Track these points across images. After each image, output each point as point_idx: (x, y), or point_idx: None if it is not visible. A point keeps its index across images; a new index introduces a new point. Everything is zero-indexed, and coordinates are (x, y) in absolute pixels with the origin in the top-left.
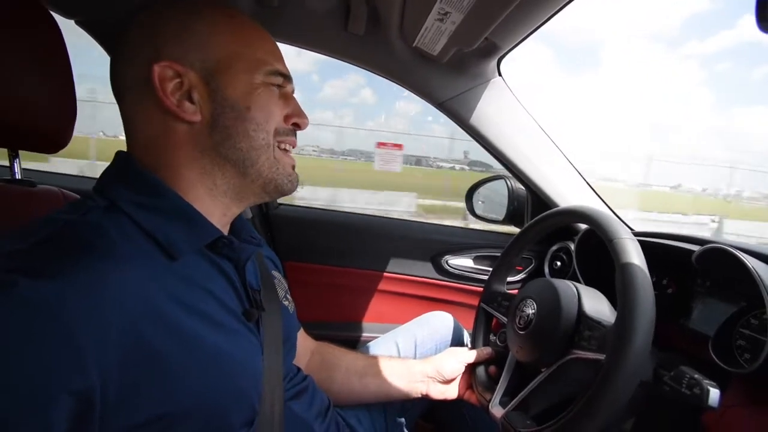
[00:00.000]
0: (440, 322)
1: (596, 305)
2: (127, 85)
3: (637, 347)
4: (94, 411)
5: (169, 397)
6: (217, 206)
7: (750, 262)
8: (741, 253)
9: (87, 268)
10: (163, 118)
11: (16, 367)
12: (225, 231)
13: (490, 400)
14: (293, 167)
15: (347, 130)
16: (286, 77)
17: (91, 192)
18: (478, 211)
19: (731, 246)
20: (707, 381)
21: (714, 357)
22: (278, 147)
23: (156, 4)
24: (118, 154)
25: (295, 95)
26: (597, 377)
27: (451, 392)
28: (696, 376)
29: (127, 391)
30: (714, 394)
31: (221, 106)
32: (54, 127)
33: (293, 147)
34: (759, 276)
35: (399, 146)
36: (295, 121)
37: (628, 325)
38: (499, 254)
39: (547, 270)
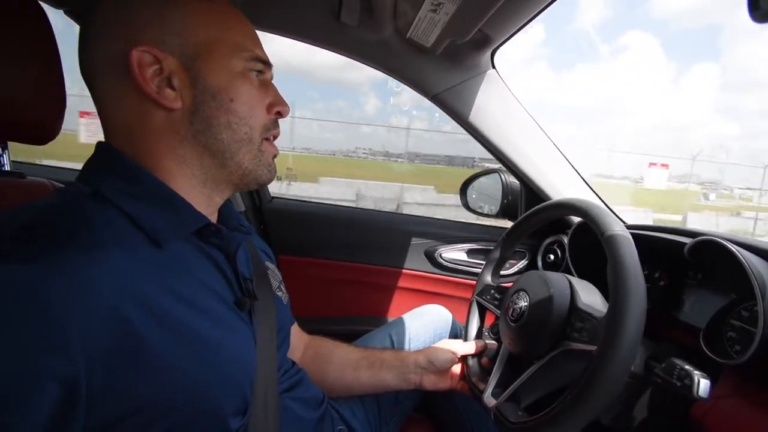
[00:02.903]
0: (434, 315)
1: (588, 297)
2: (99, 69)
3: (628, 339)
4: (80, 398)
5: (157, 385)
6: (198, 195)
7: (742, 254)
8: (733, 245)
9: (70, 253)
10: (141, 105)
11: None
12: (213, 219)
13: (482, 391)
14: (274, 156)
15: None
16: (266, 63)
17: (75, 181)
18: (472, 205)
19: (723, 238)
20: (698, 372)
21: (705, 348)
22: (264, 140)
23: None
24: (99, 144)
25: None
26: (588, 368)
27: (443, 383)
28: (686, 367)
29: (114, 378)
30: (704, 384)
31: (203, 94)
32: (42, 119)
33: (276, 137)
34: (750, 268)
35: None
36: (278, 109)
37: (619, 317)
38: (492, 247)
39: (540, 263)
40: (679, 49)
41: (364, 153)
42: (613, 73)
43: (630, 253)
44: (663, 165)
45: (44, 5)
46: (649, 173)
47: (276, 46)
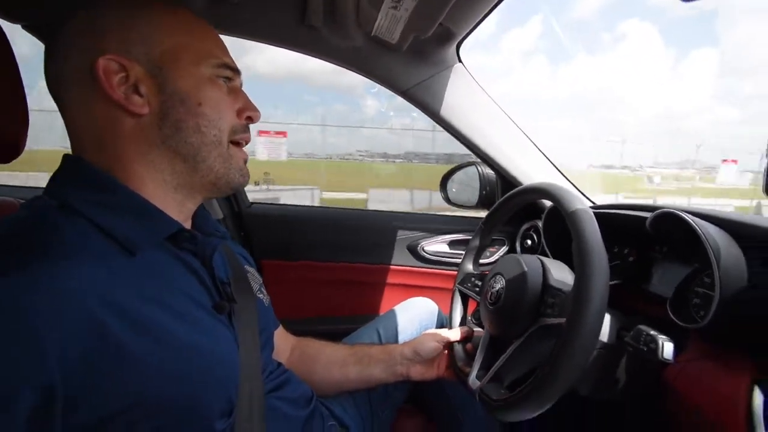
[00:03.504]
0: (420, 307)
1: (559, 274)
2: (67, 81)
3: (593, 307)
4: (56, 405)
5: (136, 390)
6: (171, 202)
7: (697, 223)
8: (689, 215)
9: (40, 264)
10: (109, 112)
11: None
12: (187, 226)
13: (468, 375)
14: (245, 161)
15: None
16: (234, 70)
17: (42, 195)
18: (452, 198)
19: (680, 210)
20: (662, 336)
21: (672, 315)
22: (232, 143)
23: (98, 1)
24: (66, 156)
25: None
26: (558, 340)
27: (430, 373)
28: (652, 332)
29: (93, 384)
30: (668, 347)
31: (171, 99)
32: (5, 137)
33: (247, 142)
34: (705, 236)
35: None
36: (248, 114)
37: (583, 288)
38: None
39: (518, 249)
40: (675, 36)
41: (360, 155)
42: (612, 64)
43: (590, 226)
44: (733, 161)
45: (1, 21)
46: (722, 169)
47: (270, 53)
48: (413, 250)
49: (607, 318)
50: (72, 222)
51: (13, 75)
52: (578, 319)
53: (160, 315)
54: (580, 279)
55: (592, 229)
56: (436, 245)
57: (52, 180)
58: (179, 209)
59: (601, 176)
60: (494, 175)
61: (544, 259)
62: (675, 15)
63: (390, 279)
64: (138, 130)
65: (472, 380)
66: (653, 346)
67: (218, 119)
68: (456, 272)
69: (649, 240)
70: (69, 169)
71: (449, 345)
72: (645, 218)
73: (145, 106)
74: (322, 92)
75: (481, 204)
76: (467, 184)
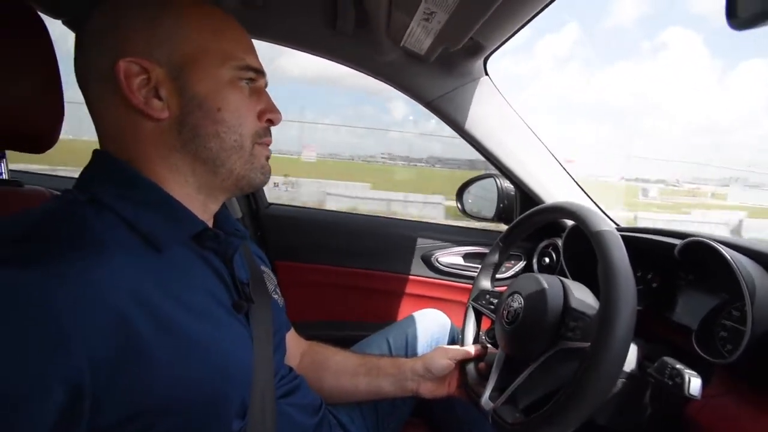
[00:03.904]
0: (432, 319)
1: (581, 297)
2: (91, 76)
3: (619, 333)
4: (84, 402)
5: (158, 388)
6: (194, 202)
7: (730, 254)
8: (721, 246)
9: (72, 257)
10: (130, 115)
11: (3, 356)
12: (209, 225)
13: (480, 395)
14: (267, 158)
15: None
16: (257, 71)
17: (72, 189)
18: (468, 209)
19: (712, 239)
20: (689, 371)
21: (697, 348)
22: (256, 144)
23: None
24: (96, 151)
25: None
26: (581, 365)
27: (441, 390)
28: (678, 366)
29: (118, 381)
30: (695, 383)
31: (189, 103)
32: (40, 128)
33: (268, 145)
34: (738, 269)
35: None
36: (269, 117)
37: (610, 312)
38: (488, 251)
39: (535, 266)
40: (721, 46)
41: (382, 158)
42: (652, 72)
43: (618, 249)
44: None
45: (43, 16)
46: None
47: (300, 58)
48: (427, 261)
49: (631, 346)
50: (101, 216)
51: (51, 68)
52: (605, 345)
53: (183, 314)
54: (606, 303)
55: (620, 252)
56: (451, 257)
57: (82, 175)
58: (203, 209)
59: (598, 186)
60: (513, 189)
61: (565, 280)
62: (719, 24)
63: (402, 288)
64: (158, 134)
65: (485, 401)
66: (679, 381)
67: (238, 125)
68: (470, 285)
69: (674, 266)
70: (97, 164)
71: (461, 363)
72: (672, 245)
73: (164, 111)
74: (350, 94)
75: (498, 217)
76: (484, 196)
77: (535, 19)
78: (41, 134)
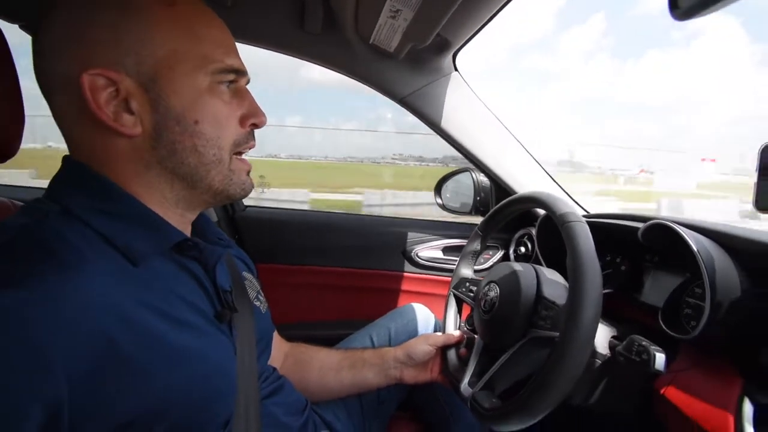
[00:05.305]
0: (414, 313)
1: (553, 286)
2: (54, 88)
3: (585, 325)
4: (63, 420)
5: (141, 402)
6: (171, 214)
7: (688, 234)
8: (680, 227)
9: (48, 275)
10: (99, 131)
11: None
12: (187, 233)
13: (460, 381)
14: (248, 172)
15: None
16: (238, 72)
17: (42, 198)
18: (446, 204)
19: (671, 221)
20: (654, 347)
21: (663, 326)
22: (234, 157)
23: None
24: (67, 159)
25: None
26: (550, 355)
27: (423, 376)
28: (644, 343)
29: (98, 398)
30: (660, 358)
31: (164, 117)
32: (0, 138)
33: (251, 149)
34: (696, 247)
35: None
36: (253, 121)
37: (576, 305)
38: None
39: (512, 256)
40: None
41: (393, 158)
42: (686, 63)
43: (584, 241)
44: (711, 160)
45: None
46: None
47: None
48: (407, 256)
49: (600, 328)
50: (76, 230)
51: (10, 74)
52: (570, 336)
53: (164, 326)
54: (573, 295)
55: (587, 245)
56: (431, 251)
57: (53, 183)
58: (181, 219)
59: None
60: (488, 182)
61: (539, 268)
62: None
63: (384, 284)
64: (131, 151)
65: (464, 387)
66: (645, 357)
67: (218, 137)
68: (450, 278)
69: (641, 249)
70: (70, 173)
71: (442, 348)
72: (636, 228)
73: (137, 126)
74: (369, 97)
75: (475, 210)
76: (461, 190)
77: (558, 6)
78: (1, 144)
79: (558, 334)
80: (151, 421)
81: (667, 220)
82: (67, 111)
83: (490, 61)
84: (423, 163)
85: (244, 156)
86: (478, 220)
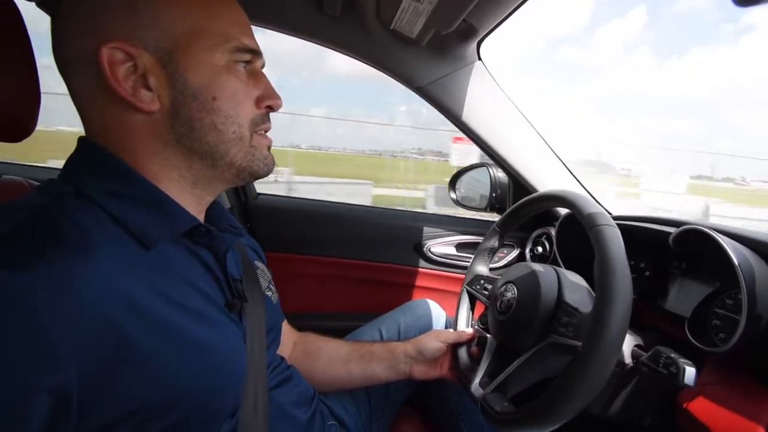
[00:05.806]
0: (424, 309)
1: (575, 291)
2: (72, 64)
3: (612, 337)
4: (71, 407)
5: (149, 388)
6: (188, 197)
7: (725, 242)
8: (717, 234)
9: (60, 259)
10: (117, 107)
11: None
12: (201, 219)
13: (471, 380)
14: (269, 147)
15: None
16: (254, 52)
17: (57, 179)
18: (461, 199)
19: (707, 227)
20: (683, 360)
21: (690, 337)
22: (255, 134)
23: None
24: (82, 140)
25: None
26: (572, 364)
27: (433, 372)
28: (672, 355)
29: (107, 384)
30: (690, 372)
31: (182, 93)
32: (15, 116)
33: (267, 132)
34: (735, 256)
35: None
36: (268, 103)
37: (604, 315)
38: (481, 241)
39: (528, 255)
40: None
41: (411, 152)
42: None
43: (616, 248)
44: None
45: None
46: None
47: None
48: (419, 251)
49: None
50: (87, 211)
51: (26, 55)
52: (595, 347)
53: (174, 313)
54: (601, 303)
55: (618, 252)
56: (443, 247)
57: (67, 164)
58: (197, 202)
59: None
60: (506, 178)
61: (560, 270)
62: None
63: (394, 278)
64: (148, 128)
65: (475, 387)
66: (674, 370)
67: (236, 114)
68: (462, 275)
69: (667, 255)
70: (84, 155)
71: (453, 346)
72: (667, 233)
73: (154, 102)
74: (393, 90)
75: (490, 207)
76: (477, 186)
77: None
78: (17, 123)
79: (581, 344)
80: (159, 408)
81: (704, 226)
82: (84, 88)
83: (521, 53)
84: (443, 159)
85: None
86: (492, 216)
